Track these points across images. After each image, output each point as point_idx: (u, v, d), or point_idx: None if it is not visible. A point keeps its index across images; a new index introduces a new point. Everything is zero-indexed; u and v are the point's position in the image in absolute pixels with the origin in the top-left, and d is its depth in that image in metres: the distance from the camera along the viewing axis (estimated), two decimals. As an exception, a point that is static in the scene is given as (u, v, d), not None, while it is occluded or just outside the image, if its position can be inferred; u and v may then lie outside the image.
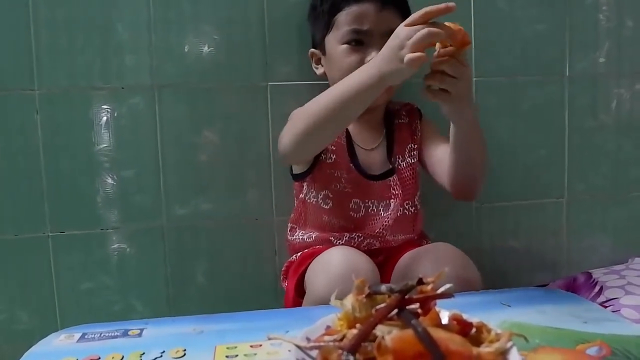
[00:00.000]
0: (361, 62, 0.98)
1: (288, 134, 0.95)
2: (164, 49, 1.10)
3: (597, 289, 1.07)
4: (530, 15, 1.21)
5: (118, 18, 1.08)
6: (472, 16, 1.20)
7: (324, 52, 1.05)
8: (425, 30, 0.76)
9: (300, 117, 0.92)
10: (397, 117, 1.09)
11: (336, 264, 0.85)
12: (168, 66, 1.11)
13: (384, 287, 0.55)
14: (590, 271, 1.18)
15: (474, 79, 1.20)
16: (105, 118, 1.10)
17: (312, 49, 1.08)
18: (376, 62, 0.82)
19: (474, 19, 1.20)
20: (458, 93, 0.82)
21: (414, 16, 0.78)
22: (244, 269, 1.16)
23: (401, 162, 1.06)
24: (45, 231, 1.09)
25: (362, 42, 0.99)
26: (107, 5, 1.08)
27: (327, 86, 1.04)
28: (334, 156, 1.02)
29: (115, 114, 1.10)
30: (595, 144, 1.27)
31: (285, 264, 1.08)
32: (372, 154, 1.05)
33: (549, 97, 1.24)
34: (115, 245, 1.12)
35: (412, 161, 1.06)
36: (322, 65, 1.07)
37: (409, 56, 0.76)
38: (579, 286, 1.12)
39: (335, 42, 1.01)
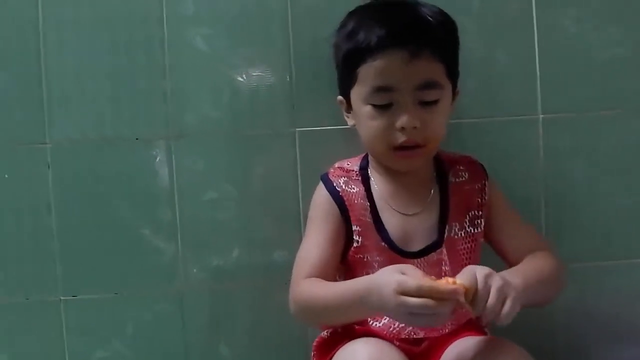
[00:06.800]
0: (390, 127, 0.82)
1: (292, 309, 0.86)
2: (180, 96, 1.00)
3: None
4: (605, 37, 1.01)
5: (131, 65, 1.00)
6: (535, 41, 1.01)
7: (350, 106, 0.88)
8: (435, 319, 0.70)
9: (297, 309, 0.85)
10: (452, 172, 0.90)
11: None
12: (184, 115, 1.01)
13: None
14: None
15: (540, 115, 1.02)
16: (117, 172, 1.01)
17: (340, 97, 0.91)
18: (381, 307, 0.73)
19: (538, 44, 1.01)
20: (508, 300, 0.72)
21: (410, 287, 0.69)
22: (271, 339, 1.03)
23: (458, 231, 0.87)
24: (57, 295, 1.01)
25: (389, 104, 0.82)
26: (120, 53, 1.00)
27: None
28: (361, 238, 0.85)
29: (129, 167, 1.01)
30: (694, 191, 1.03)
31: (316, 339, 0.93)
32: (414, 221, 0.87)
33: (633, 136, 1.02)
34: (131, 311, 1.02)
35: (475, 231, 0.87)
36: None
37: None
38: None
39: (360, 100, 0.85)
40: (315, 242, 0.87)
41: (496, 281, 0.71)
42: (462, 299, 0.68)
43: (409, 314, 0.69)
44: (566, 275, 0.90)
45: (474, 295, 0.70)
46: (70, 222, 1.01)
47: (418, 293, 0.68)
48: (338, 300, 0.79)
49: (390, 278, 0.71)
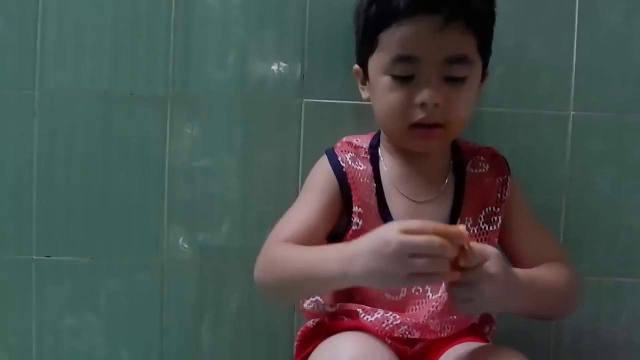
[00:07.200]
0: (409, 102, 0.74)
1: (258, 270, 0.77)
2: (184, 53, 0.93)
3: None
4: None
5: (134, 18, 0.92)
6: (575, 31, 0.93)
7: (366, 75, 0.81)
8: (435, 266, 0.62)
9: (264, 270, 0.76)
10: (472, 162, 0.83)
11: None
12: (186, 74, 0.93)
13: None
14: None
15: (572, 112, 0.94)
16: (107, 128, 0.93)
17: (356, 66, 0.84)
18: (361, 262, 0.65)
19: (577, 35, 0.93)
20: (482, 298, 0.67)
21: (412, 225, 0.63)
22: (256, 323, 0.95)
23: (471, 226, 0.79)
24: (30, 254, 0.94)
25: (411, 77, 0.74)
26: (123, 4, 0.92)
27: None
28: (361, 221, 0.77)
29: (121, 125, 0.93)
30: None
31: (301, 328, 0.85)
32: (423, 210, 0.79)
33: (671, 144, 0.94)
34: (107, 279, 0.95)
35: (490, 229, 0.80)
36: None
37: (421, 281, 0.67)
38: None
39: (378, 69, 0.77)
40: (304, 208, 0.79)
41: (496, 276, 0.66)
42: (467, 245, 0.63)
43: (410, 257, 0.61)
44: (582, 292, 0.83)
45: (474, 266, 0.65)
46: (52, 177, 0.94)
47: (422, 231, 0.62)
48: (319, 257, 0.70)
49: (391, 223, 0.67)
